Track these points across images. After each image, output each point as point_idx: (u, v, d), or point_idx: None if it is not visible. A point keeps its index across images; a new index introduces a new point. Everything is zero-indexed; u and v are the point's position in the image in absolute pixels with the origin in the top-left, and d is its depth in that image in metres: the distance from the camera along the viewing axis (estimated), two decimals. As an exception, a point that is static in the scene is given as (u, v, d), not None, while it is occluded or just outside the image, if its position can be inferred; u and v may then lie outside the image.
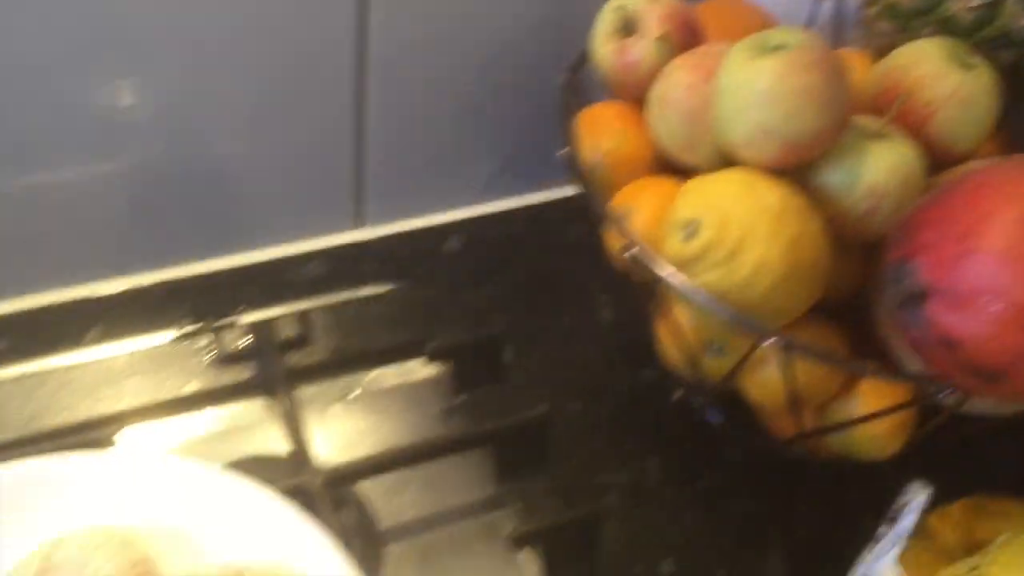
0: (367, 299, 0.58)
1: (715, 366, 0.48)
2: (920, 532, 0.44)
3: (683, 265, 0.42)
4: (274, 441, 0.49)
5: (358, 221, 0.64)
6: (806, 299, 0.43)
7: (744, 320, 0.40)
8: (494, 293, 0.60)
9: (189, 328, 0.54)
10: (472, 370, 0.54)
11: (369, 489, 0.49)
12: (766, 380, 0.45)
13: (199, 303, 0.56)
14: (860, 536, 0.45)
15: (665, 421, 0.55)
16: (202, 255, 0.59)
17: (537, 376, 0.56)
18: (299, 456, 0.46)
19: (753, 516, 0.51)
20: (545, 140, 0.65)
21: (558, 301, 0.60)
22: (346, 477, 0.46)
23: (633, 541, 0.50)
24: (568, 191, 0.68)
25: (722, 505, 0.52)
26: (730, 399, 0.51)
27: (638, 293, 0.49)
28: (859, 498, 0.50)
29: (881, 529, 0.44)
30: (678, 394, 0.55)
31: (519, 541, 0.46)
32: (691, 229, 0.41)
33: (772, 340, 0.40)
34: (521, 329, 0.57)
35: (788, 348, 0.40)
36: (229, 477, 0.40)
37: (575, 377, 0.56)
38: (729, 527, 0.51)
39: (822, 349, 0.42)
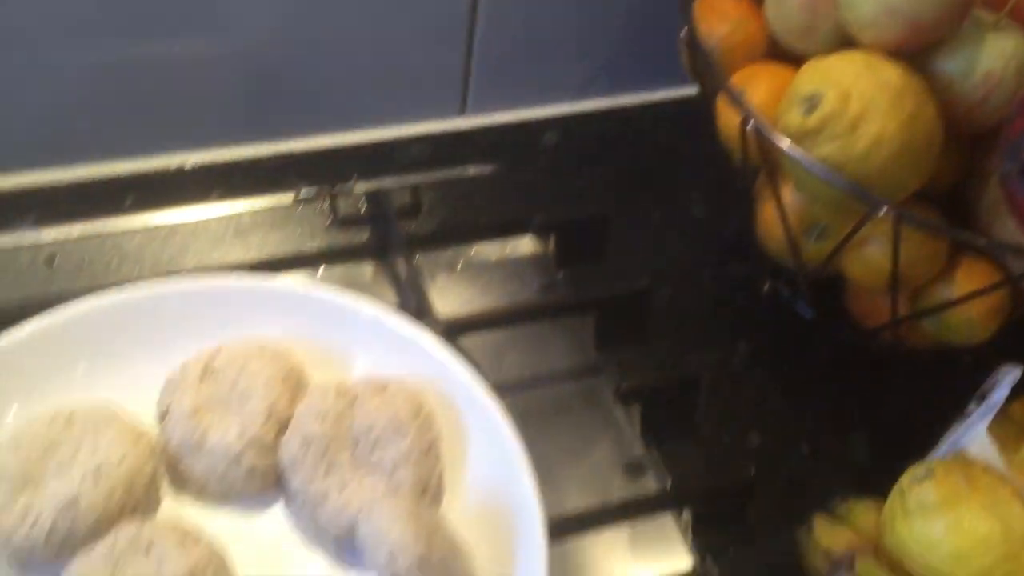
0: (472, 178, 0.60)
1: (816, 249, 0.50)
2: (1003, 417, 0.46)
3: (802, 137, 0.43)
4: (390, 298, 0.52)
5: (461, 109, 0.66)
6: (917, 178, 0.44)
7: (860, 190, 0.42)
8: (589, 186, 0.62)
9: (307, 193, 0.56)
10: (573, 248, 0.56)
11: (474, 349, 0.52)
12: (869, 258, 0.47)
13: (312, 173, 0.59)
14: (943, 424, 0.47)
15: (754, 312, 0.57)
16: (309, 132, 0.62)
17: (631, 264, 0.58)
18: (420, 308, 0.49)
19: (837, 401, 0.53)
20: (641, 43, 0.67)
21: (650, 198, 0.62)
22: (459, 329, 0.49)
23: (721, 415, 0.52)
24: (660, 95, 0.70)
25: (807, 390, 0.54)
26: (821, 291, 0.53)
27: (741, 178, 0.51)
28: (943, 389, 0.51)
29: (971, 406, 0.46)
30: (768, 286, 0.57)
31: (619, 398, 0.49)
32: (812, 102, 0.43)
33: (886, 209, 0.42)
34: (614, 222, 0.59)
35: (900, 219, 0.42)
36: (374, 304, 0.43)
37: (667, 267, 0.58)
38: (813, 409, 0.53)
39: (933, 220, 0.43)
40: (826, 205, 0.47)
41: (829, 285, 0.54)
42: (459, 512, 0.38)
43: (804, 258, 0.50)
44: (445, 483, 0.40)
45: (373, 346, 0.42)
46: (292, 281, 0.44)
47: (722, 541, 0.46)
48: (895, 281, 0.46)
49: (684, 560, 0.45)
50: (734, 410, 0.52)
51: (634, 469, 0.49)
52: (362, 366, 0.42)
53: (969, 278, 0.47)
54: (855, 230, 0.45)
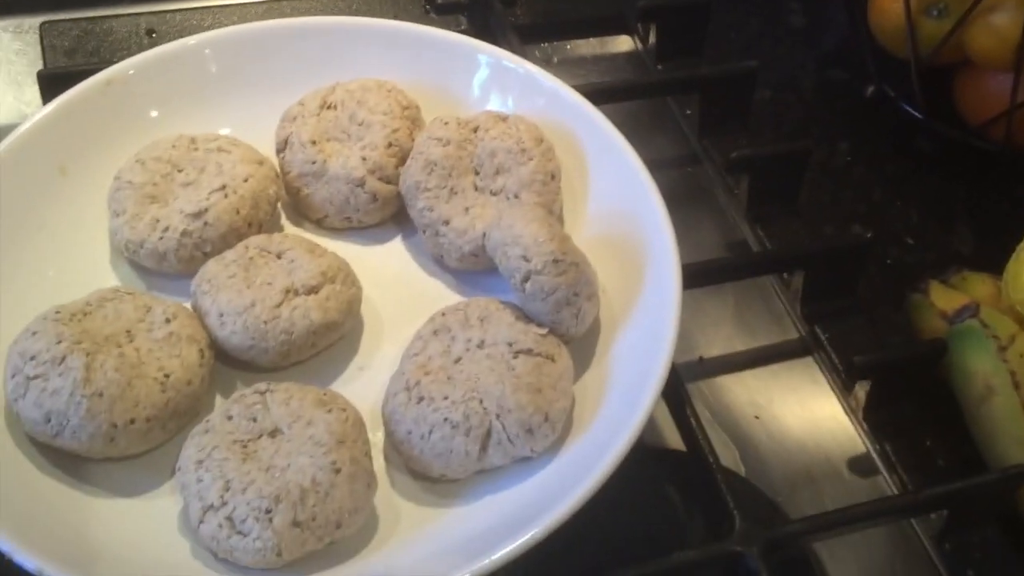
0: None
1: (935, 28, 0.48)
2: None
3: None
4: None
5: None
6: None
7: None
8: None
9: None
10: (670, 44, 0.55)
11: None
12: (996, 27, 0.46)
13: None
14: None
15: (855, 115, 0.56)
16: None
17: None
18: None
19: (941, 197, 0.52)
20: None
21: (748, 6, 0.61)
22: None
23: (823, 208, 0.51)
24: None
25: (910, 186, 0.52)
26: (928, 91, 0.51)
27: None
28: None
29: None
30: (872, 89, 0.55)
31: (727, 170, 0.48)
32: None
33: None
34: (712, 32, 0.57)
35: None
36: (485, 44, 0.42)
37: (766, 70, 0.56)
38: (916, 204, 0.52)
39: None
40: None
41: (936, 85, 0.52)
42: (584, 242, 0.38)
43: (922, 38, 0.48)
44: (565, 217, 0.39)
45: (490, 86, 0.42)
46: (408, 23, 0.43)
47: (829, 310, 0.45)
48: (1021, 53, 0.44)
49: (790, 330, 0.45)
50: (836, 204, 0.51)
51: (737, 247, 0.49)
52: (478, 107, 0.42)
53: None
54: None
